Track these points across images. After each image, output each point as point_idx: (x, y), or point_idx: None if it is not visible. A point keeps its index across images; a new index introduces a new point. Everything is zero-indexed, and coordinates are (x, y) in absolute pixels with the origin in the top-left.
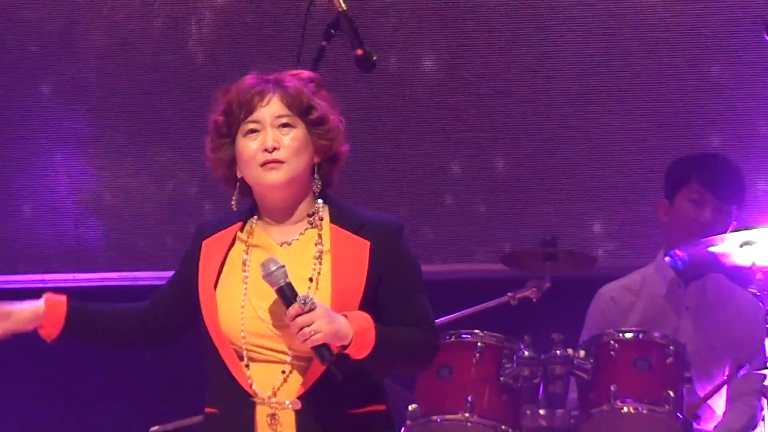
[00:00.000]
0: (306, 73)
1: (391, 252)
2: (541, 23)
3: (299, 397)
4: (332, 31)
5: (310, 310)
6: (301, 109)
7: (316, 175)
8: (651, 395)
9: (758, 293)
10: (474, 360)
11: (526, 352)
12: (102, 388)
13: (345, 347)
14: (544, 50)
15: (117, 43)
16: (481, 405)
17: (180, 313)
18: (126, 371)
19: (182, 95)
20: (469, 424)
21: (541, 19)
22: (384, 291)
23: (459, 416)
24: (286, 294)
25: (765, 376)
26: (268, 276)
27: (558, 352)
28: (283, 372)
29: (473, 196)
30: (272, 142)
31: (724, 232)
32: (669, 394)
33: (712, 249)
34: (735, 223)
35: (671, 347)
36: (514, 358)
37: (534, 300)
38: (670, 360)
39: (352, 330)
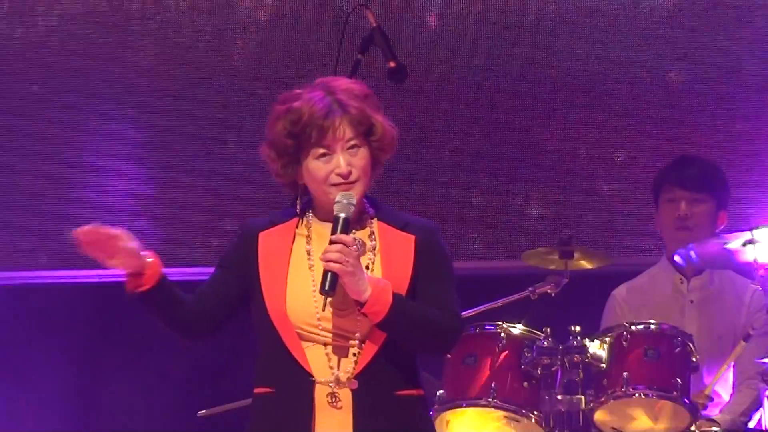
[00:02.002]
0: (359, 89)
1: (432, 247)
2: (560, 44)
3: (355, 377)
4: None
5: (357, 252)
6: (365, 130)
7: None
8: (660, 382)
9: (760, 287)
10: (497, 350)
11: (546, 343)
12: (151, 374)
13: (362, 306)
14: (558, 65)
15: (166, 55)
16: (503, 391)
17: (226, 307)
18: (174, 358)
19: (221, 109)
20: (492, 408)
21: (559, 39)
22: (420, 278)
23: (483, 401)
24: (341, 225)
25: (765, 363)
26: (339, 203)
27: (575, 342)
28: (342, 353)
29: (497, 200)
30: (346, 167)
31: (708, 219)
32: (677, 381)
33: (725, 246)
34: (724, 212)
35: (679, 338)
36: (534, 348)
37: (553, 294)
38: (678, 350)
39: (370, 289)
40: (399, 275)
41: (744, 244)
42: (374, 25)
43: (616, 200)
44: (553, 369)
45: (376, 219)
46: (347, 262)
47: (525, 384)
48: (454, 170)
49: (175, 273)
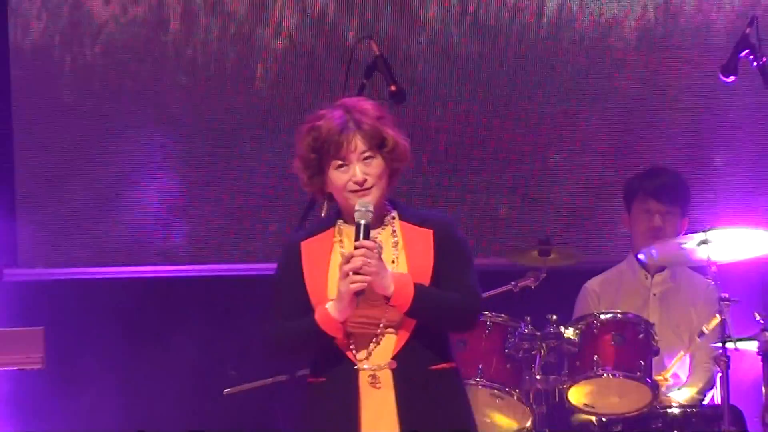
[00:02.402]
0: (374, 110)
1: (449, 238)
2: (550, 64)
3: (393, 358)
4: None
5: (378, 255)
6: (378, 143)
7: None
8: (626, 364)
9: (713, 282)
10: (484, 336)
11: (526, 330)
12: (181, 357)
13: (389, 299)
14: (536, 88)
15: (197, 81)
16: (489, 372)
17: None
18: (204, 342)
19: (248, 121)
20: (480, 387)
21: (550, 61)
22: (441, 267)
23: (471, 381)
24: (362, 231)
25: (719, 347)
26: (358, 211)
27: (552, 329)
28: (378, 339)
29: (486, 203)
30: (361, 175)
31: (677, 228)
32: (641, 363)
33: (682, 246)
34: (687, 221)
35: (642, 325)
36: (517, 334)
37: (532, 287)
38: (641, 336)
39: (393, 284)
40: (422, 267)
41: (699, 244)
42: (377, 54)
43: (585, 205)
44: (532, 352)
45: (397, 218)
46: (371, 263)
47: (508, 366)
48: (445, 179)
49: (203, 270)
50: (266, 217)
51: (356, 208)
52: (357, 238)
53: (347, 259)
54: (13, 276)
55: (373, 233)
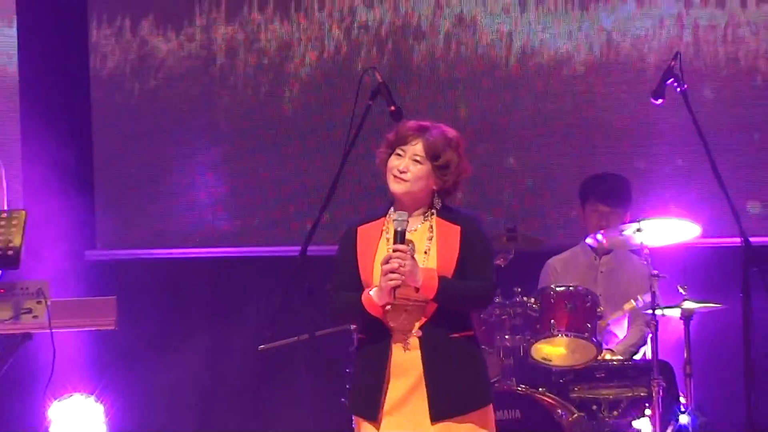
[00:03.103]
0: (451, 133)
1: (473, 234)
2: (534, 77)
3: (420, 328)
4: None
5: (411, 255)
6: (432, 155)
7: (436, 198)
8: (576, 327)
9: (645, 262)
10: None
11: (497, 299)
12: (221, 314)
13: (418, 290)
14: (512, 105)
15: (237, 102)
16: None
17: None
18: (243, 303)
19: (276, 137)
20: None
21: (535, 73)
22: (465, 257)
23: None
24: (399, 236)
25: (650, 314)
26: (396, 221)
27: (517, 299)
28: (410, 312)
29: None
30: (403, 167)
31: (620, 221)
32: (587, 326)
33: (622, 233)
34: (629, 215)
35: (589, 296)
36: None
37: (503, 266)
38: (588, 304)
39: (421, 278)
40: (449, 257)
41: (634, 232)
42: (380, 81)
43: (545, 200)
44: (502, 317)
45: (435, 216)
46: (405, 264)
47: (483, 327)
48: None
49: (244, 251)
50: (296, 206)
51: (393, 218)
52: (395, 242)
53: (386, 260)
54: (92, 256)
55: (414, 224)
